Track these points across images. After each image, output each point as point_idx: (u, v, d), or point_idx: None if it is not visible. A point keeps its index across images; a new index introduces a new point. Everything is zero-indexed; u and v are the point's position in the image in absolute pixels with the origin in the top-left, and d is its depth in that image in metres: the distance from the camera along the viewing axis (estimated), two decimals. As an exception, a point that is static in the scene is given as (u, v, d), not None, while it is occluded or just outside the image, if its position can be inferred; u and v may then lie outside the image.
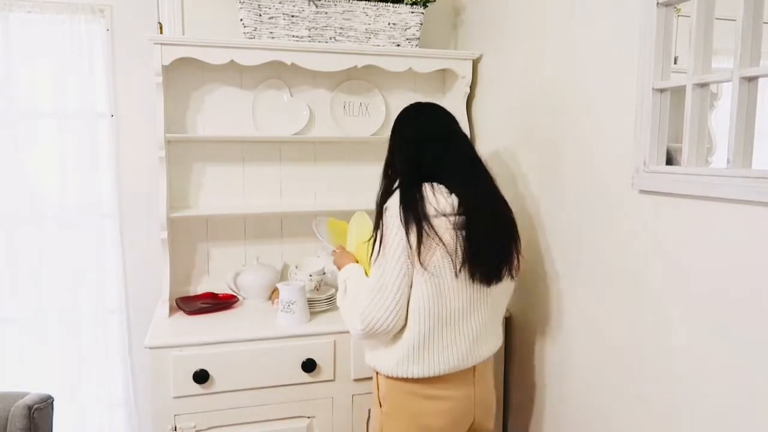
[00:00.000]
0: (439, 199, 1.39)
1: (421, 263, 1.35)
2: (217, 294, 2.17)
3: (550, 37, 1.72)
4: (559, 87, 1.66)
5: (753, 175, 1.00)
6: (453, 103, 2.31)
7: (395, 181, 1.47)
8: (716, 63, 1.15)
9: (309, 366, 1.82)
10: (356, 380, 1.88)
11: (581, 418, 1.58)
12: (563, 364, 1.67)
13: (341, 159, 2.34)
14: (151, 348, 1.73)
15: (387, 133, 2.30)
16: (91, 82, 2.20)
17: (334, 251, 1.74)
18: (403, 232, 1.34)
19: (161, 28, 2.10)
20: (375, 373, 1.52)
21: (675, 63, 1.26)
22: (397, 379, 1.44)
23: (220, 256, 2.25)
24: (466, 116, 2.28)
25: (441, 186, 1.42)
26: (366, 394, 1.90)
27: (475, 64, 2.24)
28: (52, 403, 1.73)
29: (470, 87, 2.25)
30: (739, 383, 1.08)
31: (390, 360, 1.43)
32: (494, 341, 1.53)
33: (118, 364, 2.34)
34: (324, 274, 2.11)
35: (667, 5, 1.22)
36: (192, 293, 2.21)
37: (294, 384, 1.83)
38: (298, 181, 2.31)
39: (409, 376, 1.41)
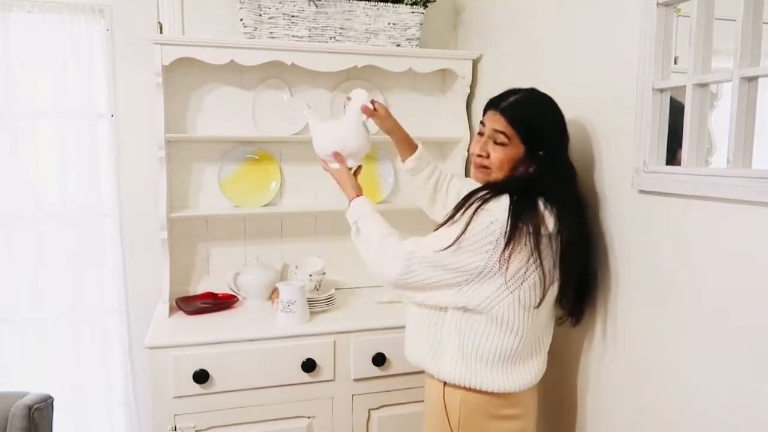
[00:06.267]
0: (549, 222, 1.32)
1: (514, 281, 1.31)
2: (217, 294, 2.17)
3: (550, 36, 1.72)
4: (558, 87, 1.66)
5: (753, 175, 1.00)
6: (453, 103, 2.32)
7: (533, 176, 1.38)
8: (716, 63, 1.15)
9: (309, 366, 1.82)
10: (356, 380, 1.88)
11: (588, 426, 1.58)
12: (563, 368, 1.66)
13: (341, 159, 2.34)
14: (151, 348, 1.73)
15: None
16: (91, 82, 2.20)
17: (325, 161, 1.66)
18: (499, 246, 1.28)
19: (161, 28, 2.10)
20: (442, 390, 1.41)
21: (675, 63, 1.26)
22: (481, 394, 1.37)
23: (220, 256, 2.25)
24: (466, 116, 2.28)
25: (548, 206, 1.33)
26: (365, 394, 1.90)
27: (475, 64, 2.24)
28: (52, 403, 1.73)
29: (470, 87, 2.25)
30: (741, 382, 1.08)
31: (472, 372, 1.37)
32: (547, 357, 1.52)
33: (118, 364, 2.33)
34: (324, 274, 2.11)
35: (667, 5, 1.22)
36: (192, 293, 2.21)
37: (294, 384, 1.83)
38: (298, 181, 2.31)
39: (496, 389, 1.36)
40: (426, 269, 1.34)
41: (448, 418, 1.40)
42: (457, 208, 1.36)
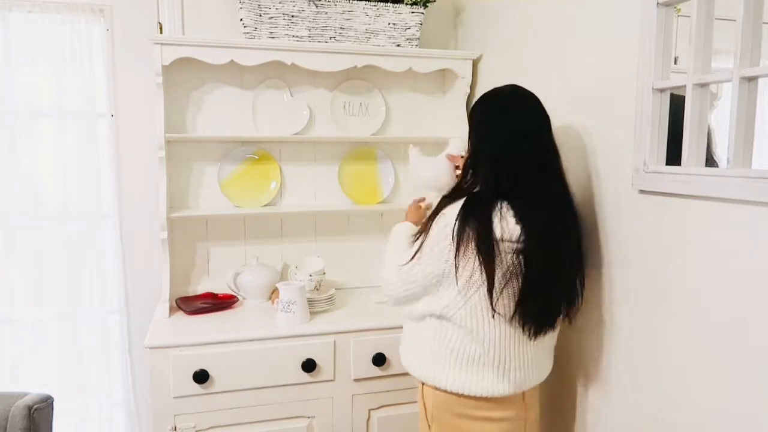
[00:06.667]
0: (503, 226, 1.27)
1: (468, 287, 1.29)
2: (217, 294, 2.17)
3: (550, 36, 1.72)
4: (558, 87, 1.66)
5: (753, 175, 1.00)
6: (453, 103, 2.32)
7: (471, 182, 1.38)
8: (716, 63, 1.15)
9: (309, 366, 1.82)
10: (356, 380, 1.88)
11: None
12: (564, 369, 1.67)
13: (341, 159, 2.34)
14: (151, 348, 1.73)
15: (387, 133, 2.34)
16: (91, 82, 2.20)
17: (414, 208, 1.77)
18: (452, 250, 1.28)
19: (161, 28, 2.10)
20: (421, 387, 1.46)
21: (675, 63, 1.26)
22: (447, 393, 1.38)
23: (220, 256, 2.25)
24: (466, 116, 2.28)
25: (510, 210, 1.29)
26: (365, 394, 1.90)
27: (475, 64, 2.24)
28: (52, 403, 1.73)
29: (470, 87, 2.25)
30: (742, 382, 1.08)
31: (439, 371, 1.38)
32: (547, 365, 1.48)
33: (118, 364, 2.34)
34: (324, 274, 2.10)
35: (667, 5, 1.22)
36: (192, 293, 2.21)
37: (294, 384, 1.83)
38: (298, 181, 2.31)
39: (457, 391, 1.36)
40: (399, 283, 1.41)
41: (425, 412, 1.45)
42: (429, 216, 1.40)
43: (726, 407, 1.11)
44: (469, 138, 1.46)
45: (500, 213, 1.29)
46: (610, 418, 1.47)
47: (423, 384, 1.45)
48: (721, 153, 1.18)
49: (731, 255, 1.09)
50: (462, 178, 1.44)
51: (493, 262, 1.26)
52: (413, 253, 1.37)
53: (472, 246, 1.27)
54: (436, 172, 1.90)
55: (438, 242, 1.32)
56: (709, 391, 1.14)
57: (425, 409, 1.45)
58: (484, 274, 1.27)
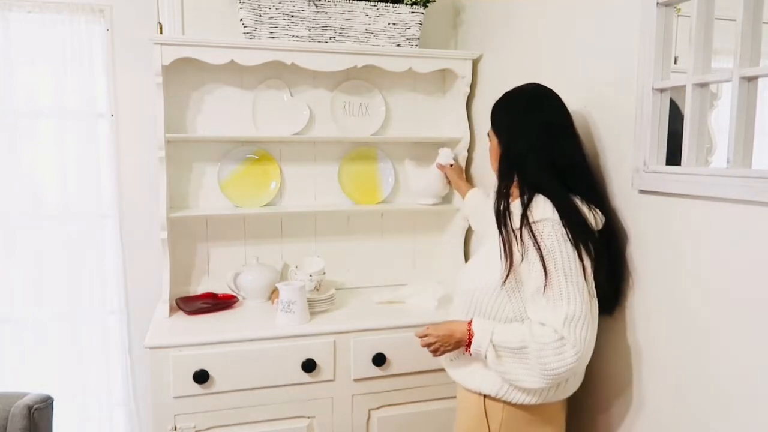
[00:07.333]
0: (594, 216, 1.32)
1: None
2: (217, 294, 2.17)
3: (550, 36, 1.72)
4: (558, 87, 1.66)
5: (753, 175, 1.00)
6: (453, 103, 2.32)
7: (513, 181, 1.35)
8: (716, 63, 1.15)
9: (309, 366, 1.82)
10: (356, 380, 1.88)
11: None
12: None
13: (341, 159, 2.34)
14: (151, 348, 1.73)
15: (387, 133, 2.34)
16: (91, 82, 2.20)
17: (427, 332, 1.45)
18: (574, 248, 1.24)
19: (161, 28, 2.10)
20: (482, 402, 1.37)
21: (675, 63, 1.26)
22: (518, 406, 1.35)
23: (220, 256, 2.25)
24: (466, 116, 2.28)
25: (583, 203, 1.32)
26: (365, 394, 1.90)
27: (475, 64, 2.24)
28: (52, 403, 1.73)
29: (470, 87, 2.25)
30: (741, 382, 1.08)
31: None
32: None
33: (118, 364, 2.34)
34: (324, 274, 2.10)
35: (667, 5, 1.22)
36: (192, 293, 2.21)
37: (294, 384, 1.83)
38: (298, 181, 2.31)
39: (543, 401, 1.33)
40: (582, 326, 1.22)
41: (488, 423, 1.37)
42: (508, 242, 1.29)
43: (731, 406, 1.11)
44: (498, 138, 1.43)
45: (584, 204, 1.31)
46: (610, 419, 1.47)
47: (485, 397, 1.37)
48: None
49: (731, 255, 1.08)
50: (501, 182, 1.37)
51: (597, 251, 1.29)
52: (563, 293, 1.22)
53: (588, 243, 1.27)
54: (428, 181, 2.23)
55: (571, 248, 1.24)
56: (713, 392, 1.14)
57: (488, 423, 1.37)
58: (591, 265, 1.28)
